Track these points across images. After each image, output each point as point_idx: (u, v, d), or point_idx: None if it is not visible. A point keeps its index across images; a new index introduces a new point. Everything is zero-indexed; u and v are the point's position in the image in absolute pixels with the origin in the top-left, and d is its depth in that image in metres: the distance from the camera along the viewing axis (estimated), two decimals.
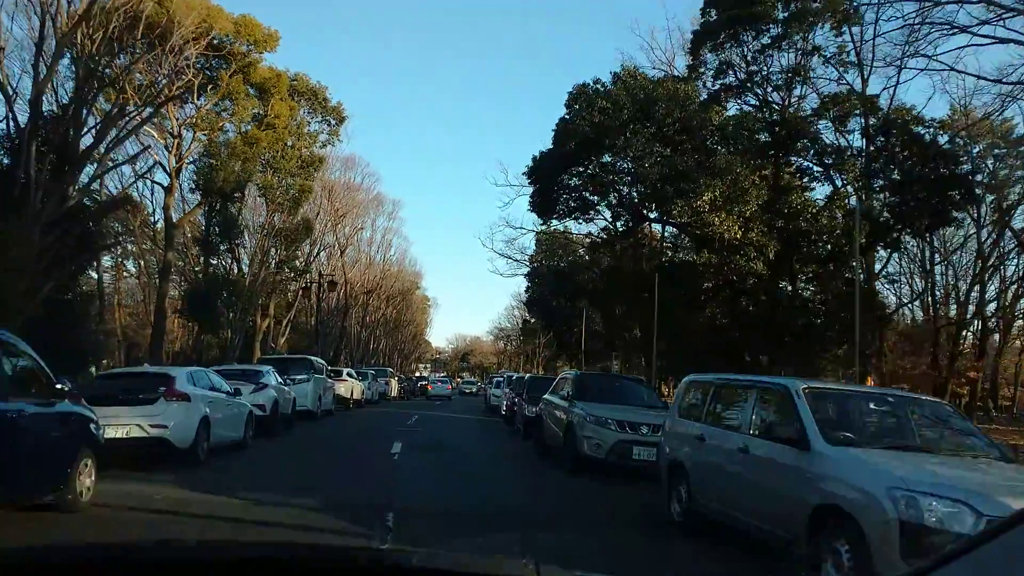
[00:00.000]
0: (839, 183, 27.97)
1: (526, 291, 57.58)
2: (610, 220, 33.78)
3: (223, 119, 35.86)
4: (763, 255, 24.38)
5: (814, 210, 25.77)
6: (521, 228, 58.90)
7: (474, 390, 63.89)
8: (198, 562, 1.70)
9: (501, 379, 33.24)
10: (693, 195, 24.07)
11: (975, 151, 32.80)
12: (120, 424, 10.51)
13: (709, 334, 28.64)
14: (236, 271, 38.73)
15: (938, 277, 40.12)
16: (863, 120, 27.86)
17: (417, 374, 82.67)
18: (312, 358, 23.73)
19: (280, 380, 18.53)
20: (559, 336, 53.48)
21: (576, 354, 63.45)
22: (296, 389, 19.86)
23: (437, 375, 71.70)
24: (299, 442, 16.23)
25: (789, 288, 29.08)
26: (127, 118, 28.34)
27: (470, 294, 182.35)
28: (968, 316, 39.69)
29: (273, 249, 40.24)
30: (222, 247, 36.92)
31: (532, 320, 69.45)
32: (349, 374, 30.86)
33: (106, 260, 46.64)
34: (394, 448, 14.31)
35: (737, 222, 24.22)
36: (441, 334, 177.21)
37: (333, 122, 42.48)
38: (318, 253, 51.57)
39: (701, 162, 25.69)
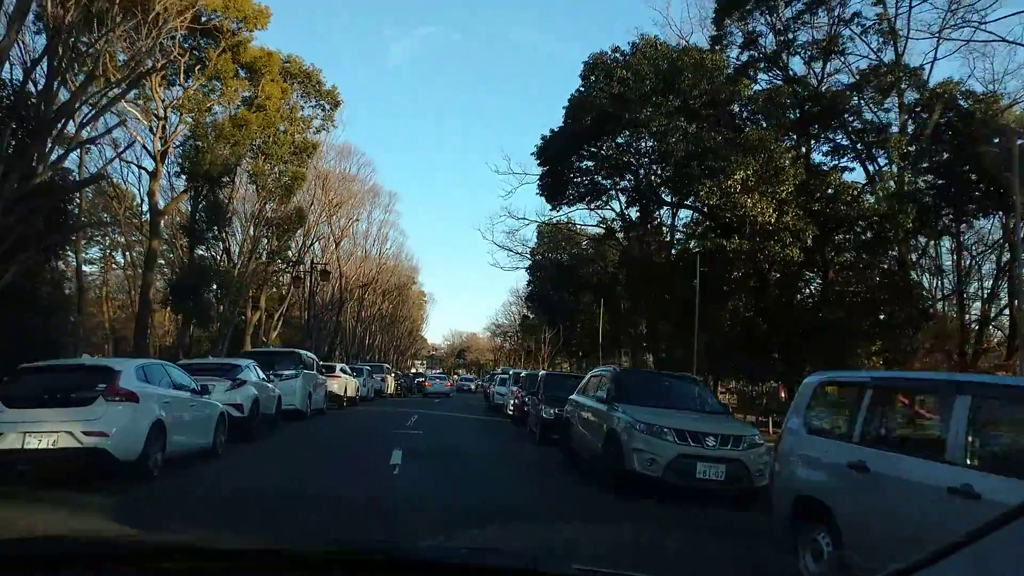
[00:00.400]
0: (876, 165, 25.77)
1: (527, 285, 55.53)
2: (623, 207, 31.56)
3: (211, 100, 33.66)
4: (800, 240, 22.00)
5: (854, 192, 23.38)
6: (524, 219, 56.67)
7: (473, 387, 61.81)
8: (202, 554, 1.71)
9: (506, 376, 31.00)
10: (723, 174, 21.74)
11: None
12: (45, 432, 8.27)
13: (734, 328, 26.43)
14: (225, 261, 36.56)
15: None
16: (901, 96, 25.69)
17: (413, 370, 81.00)
18: (301, 352, 21.50)
19: (263, 376, 16.47)
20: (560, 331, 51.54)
21: (576, 350, 61.24)
22: (282, 386, 18.01)
23: (434, 371, 69.90)
24: (283, 448, 14.11)
25: (819, 280, 26.87)
26: (101, 92, 26.10)
27: (466, 290, 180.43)
28: (997, 313, 37.73)
29: (264, 239, 38.19)
30: (209, 235, 34.76)
31: (532, 316, 67.43)
32: (343, 370, 28.62)
33: (94, 252, 44.71)
34: (393, 458, 12.10)
35: (771, 204, 21.88)
36: (437, 330, 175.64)
37: (327, 107, 40.70)
38: (311, 244, 49.51)
39: (731, 139, 23.35)
